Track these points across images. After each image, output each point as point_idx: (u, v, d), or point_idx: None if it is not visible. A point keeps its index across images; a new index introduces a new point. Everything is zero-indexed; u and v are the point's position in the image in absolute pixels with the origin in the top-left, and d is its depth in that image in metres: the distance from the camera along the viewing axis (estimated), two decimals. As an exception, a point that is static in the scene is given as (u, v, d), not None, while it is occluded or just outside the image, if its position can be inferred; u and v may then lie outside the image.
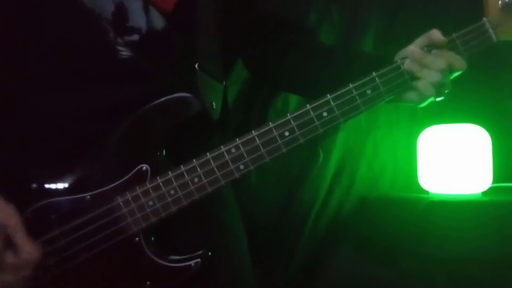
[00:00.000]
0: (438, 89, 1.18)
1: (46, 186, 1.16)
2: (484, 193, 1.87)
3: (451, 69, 1.18)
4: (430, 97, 1.20)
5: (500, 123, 2.02)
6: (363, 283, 1.97)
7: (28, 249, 1.09)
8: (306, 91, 1.45)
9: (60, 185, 1.16)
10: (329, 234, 2.13)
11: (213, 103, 1.25)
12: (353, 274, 2.02)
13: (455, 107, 2.02)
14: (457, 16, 2.06)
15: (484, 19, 1.19)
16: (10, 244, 1.09)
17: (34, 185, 1.16)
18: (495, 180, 1.89)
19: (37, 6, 1.20)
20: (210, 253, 1.17)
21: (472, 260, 1.67)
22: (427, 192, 1.95)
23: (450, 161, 1.86)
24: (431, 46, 1.18)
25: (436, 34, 1.19)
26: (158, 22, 1.23)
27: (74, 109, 1.20)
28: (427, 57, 1.17)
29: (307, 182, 2.13)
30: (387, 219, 1.91)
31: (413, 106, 1.88)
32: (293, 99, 2.10)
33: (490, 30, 1.18)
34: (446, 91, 1.20)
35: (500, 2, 1.18)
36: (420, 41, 1.20)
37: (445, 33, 1.21)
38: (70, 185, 1.16)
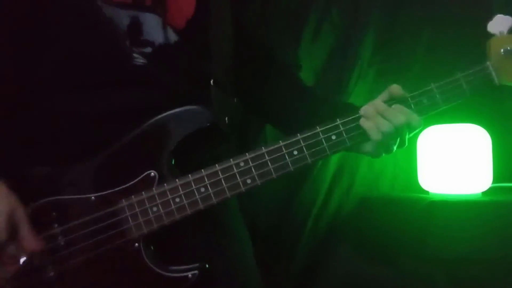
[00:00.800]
0: (387, 139, 1.22)
1: (53, 184, 1.17)
2: (484, 193, 1.87)
3: (409, 126, 1.22)
4: (380, 147, 1.24)
5: (500, 123, 2.02)
6: (363, 283, 1.97)
7: (31, 240, 1.10)
8: (278, 123, 1.51)
9: (66, 184, 1.17)
10: (329, 234, 2.13)
11: (226, 118, 1.28)
12: (353, 274, 2.02)
13: (455, 107, 2.02)
14: (457, 16, 2.06)
15: (488, 63, 1.24)
16: (14, 233, 1.10)
17: (41, 182, 1.16)
18: (495, 180, 1.89)
19: (57, 11, 1.22)
20: (207, 265, 1.17)
21: (472, 260, 1.67)
22: (427, 192, 1.95)
23: (450, 161, 1.87)
24: (392, 101, 1.22)
25: (395, 89, 1.23)
26: (171, 37, 1.25)
27: (86, 111, 1.21)
28: (388, 111, 1.21)
29: (307, 182, 2.13)
30: (387, 219, 1.91)
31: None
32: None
33: (493, 73, 1.24)
34: (399, 146, 1.24)
35: (502, 49, 1.24)
36: (383, 96, 1.25)
37: (450, 73, 1.25)
38: (76, 185, 1.17)
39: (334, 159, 2.13)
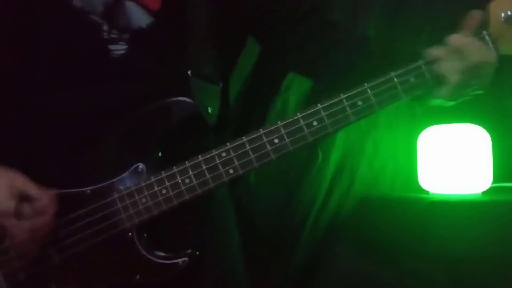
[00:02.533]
0: (467, 79, 1.15)
1: (51, 179, 1.21)
2: (484, 193, 1.87)
3: (483, 62, 1.15)
4: (457, 89, 1.17)
5: (500, 123, 2.02)
6: (363, 283, 1.97)
7: (41, 194, 1.15)
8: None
9: (64, 179, 1.22)
10: (329, 234, 2.13)
11: (209, 108, 1.28)
12: (353, 274, 2.01)
13: (455, 107, 2.02)
14: (456, 17, 2.06)
15: (484, 32, 1.18)
16: (25, 197, 1.15)
17: (39, 178, 1.19)
18: (495, 180, 1.89)
19: (32, 10, 1.23)
20: (198, 253, 1.23)
21: (472, 260, 1.66)
22: (427, 192, 1.95)
23: (450, 161, 1.86)
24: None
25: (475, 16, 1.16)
26: (147, 20, 1.26)
27: (71, 108, 1.24)
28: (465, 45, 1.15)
29: (306, 182, 2.12)
30: (387, 219, 1.91)
31: (412, 106, 1.89)
32: (293, 99, 2.11)
33: (490, 44, 1.18)
34: (477, 90, 1.18)
35: (503, 14, 1.17)
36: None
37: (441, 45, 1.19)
38: (72, 179, 1.22)
39: (334, 159, 2.13)
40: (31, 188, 1.16)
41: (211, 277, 1.30)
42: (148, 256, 1.21)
